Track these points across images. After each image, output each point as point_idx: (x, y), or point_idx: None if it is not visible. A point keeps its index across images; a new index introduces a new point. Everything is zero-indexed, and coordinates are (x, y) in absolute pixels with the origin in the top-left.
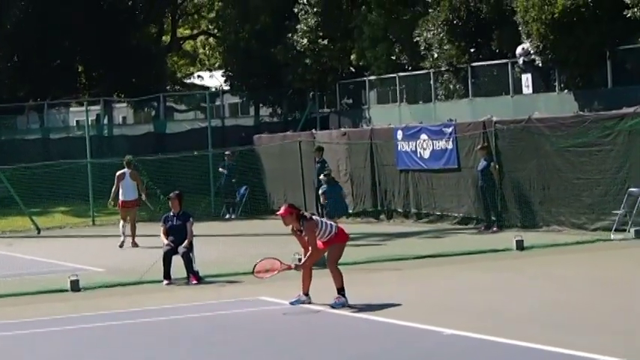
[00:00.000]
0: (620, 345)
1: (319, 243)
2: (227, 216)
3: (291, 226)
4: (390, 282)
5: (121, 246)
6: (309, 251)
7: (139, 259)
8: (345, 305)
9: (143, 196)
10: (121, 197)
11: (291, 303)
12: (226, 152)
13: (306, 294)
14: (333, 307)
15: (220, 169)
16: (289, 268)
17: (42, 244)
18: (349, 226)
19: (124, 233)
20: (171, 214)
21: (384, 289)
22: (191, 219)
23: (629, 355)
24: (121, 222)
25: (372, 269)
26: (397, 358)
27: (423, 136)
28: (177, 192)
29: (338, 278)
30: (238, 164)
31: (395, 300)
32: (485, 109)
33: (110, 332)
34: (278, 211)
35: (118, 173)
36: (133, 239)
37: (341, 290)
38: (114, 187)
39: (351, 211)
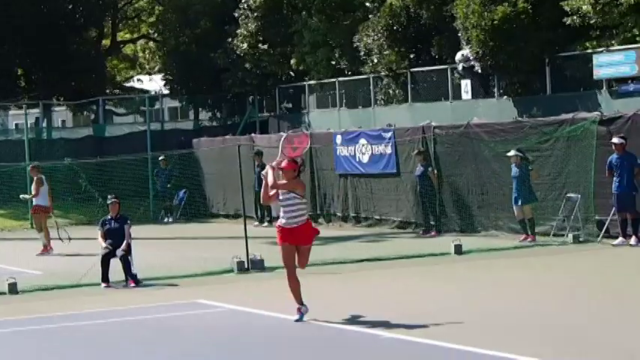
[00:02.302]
0: (559, 349)
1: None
2: (165, 219)
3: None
4: (327, 286)
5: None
6: (284, 181)
7: (77, 263)
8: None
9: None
10: (42, 202)
11: (297, 320)
12: (160, 158)
13: (302, 303)
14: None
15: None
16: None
17: None
18: None
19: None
20: (109, 217)
21: (322, 293)
22: (129, 222)
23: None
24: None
25: (311, 273)
26: None
27: (362, 141)
28: (114, 196)
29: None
30: (176, 168)
31: (332, 304)
32: (425, 114)
33: (46, 336)
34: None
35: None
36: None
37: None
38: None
39: None
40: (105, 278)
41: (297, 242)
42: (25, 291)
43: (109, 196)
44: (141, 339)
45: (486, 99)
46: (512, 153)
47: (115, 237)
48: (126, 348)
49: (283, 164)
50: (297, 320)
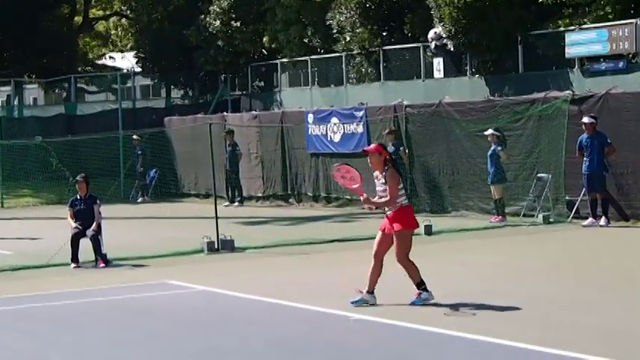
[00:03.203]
0: (532, 331)
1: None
2: (137, 199)
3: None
4: (297, 266)
5: None
6: (384, 197)
7: (46, 243)
8: (429, 300)
9: None
10: None
11: (353, 302)
12: (134, 137)
13: (371, 292)
14: (413, 303)
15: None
16: (361, 193)
17: None
18: (259, 209)
19: None
20: (78, 197)
21: (291, 273)
22: (98, 201)
23: (541, 341)
24: None
25: (281, 253)
26: (305, 342)
27: (334, 120)
28: (83, 175)
29: (413, 273)
30: (147, 147)
31: (302, 284)
32: (397, 93)
33: (15, 316)
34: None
35: None
36: None
37: (420, 285)
38: None
39: (261, 195)
40: (75, 258)
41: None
42: None
43: (77, 176)
44: (111, 319)
45: (458, 77)
46: (489, 132)
47: (85, 217)
48: (96, 328)
49: (369, 147)
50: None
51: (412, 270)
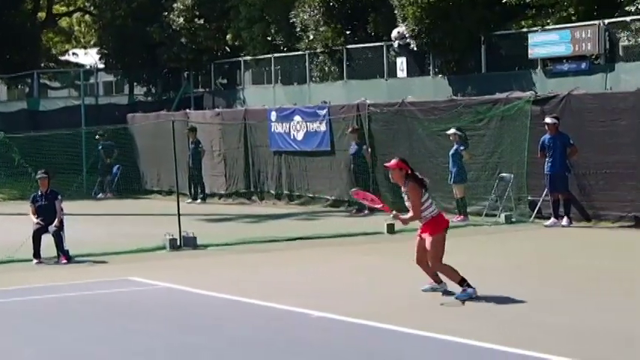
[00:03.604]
0: (498, 331)
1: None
2: (100, 195)
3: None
4: (259, 264)
5: None
6: (410, 213)
7: (8, 238)
8: (472, 296)
9: None
10: None
11: (458, 297)
12: (98, 134)
13: (462, 282)
14: (457, 298)
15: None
16: (388, 210)
17: None
18: (222, 207)
19: None
20: (39, 193)
21: (253, 271)
22: (59, 197)
23: (507, 341)
24: None
25: (244, 251)
26: (266, 339)
27: (297, 118)
28: (44, 171)
29: (451, 274)
30: (111, 143)
31: (264, 282)
32: (360, 91)
33: None
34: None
35: None
36: None
37: (462, 282)
38: None
39: (223, 192)
40: (37, 254)
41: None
42: None
43: (38, 172)
44: (73, 316)
45: (421, 77)
46: (451, 131)
47: (46, 213)
48: (57, 325)
49: (390, 163)
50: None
51: (448, 272)
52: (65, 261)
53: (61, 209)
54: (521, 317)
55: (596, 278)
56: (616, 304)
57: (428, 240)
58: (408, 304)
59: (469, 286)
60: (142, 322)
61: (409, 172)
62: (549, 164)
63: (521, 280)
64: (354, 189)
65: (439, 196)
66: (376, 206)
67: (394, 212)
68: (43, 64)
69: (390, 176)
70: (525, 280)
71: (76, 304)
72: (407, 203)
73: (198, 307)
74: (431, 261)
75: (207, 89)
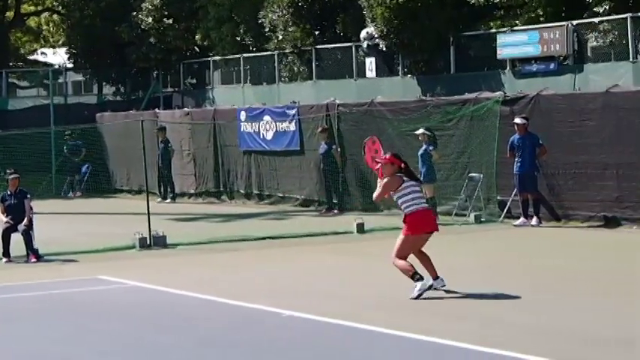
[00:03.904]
0: (470, 330)
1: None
2: (69, 194)
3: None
4: (229, 263)
5: None
6: (380, 187)
7: None
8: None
9: None
10: None
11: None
12: (66, 134)
13: (436, 277)
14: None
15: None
16: (380, 175)
17: None
18: (191, 206)
19: None
20: (9, 192)
21: (223, 270)
22: (28, 196)
23: (481, 341)
24: None
25: (213, 250)
26: (236, 338)
27: (267, 118)
28: (13, 170)
29: (404, 268)
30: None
31: (234, 281)
32: (329, 91)
33: None
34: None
35: None
36: None
37: (414, 277)
38: None
39: (193, 191)
40: (6, 253)
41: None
42: None
43: (7, 171)
44: (42, 315)
45: (390, 77)
46: (420, 131)
47: (16, 212)
48: (25, 324)
49: (380, 158)
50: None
51: (402, 267)
52: (35, 260)
53: (31, 208)
54: (493, 317)
55: (565, 278)
56: (585, 304)
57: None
58: (378, 303)
59: (421, 279)
60: (110, 321)
61: (402, 166)
62: (518, 164)
63: (491, 279)
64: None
65: None
66: (375, 167)
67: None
68: (11, 64)
69: (381, 169)
70: (495, 280)
71: (44, 303)
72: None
73: (167, 306)
74: (393, 252)
75: (177, 89)
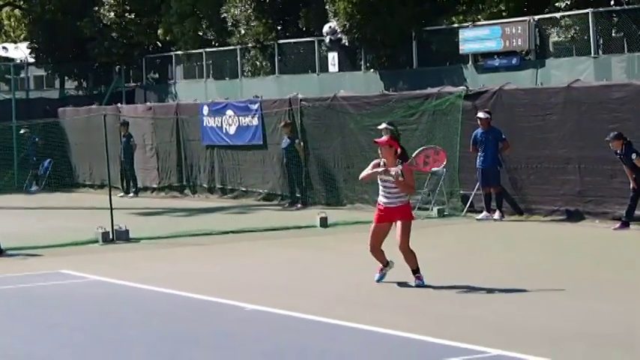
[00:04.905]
0: (427, 323)
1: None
2: (33, 189)
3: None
4: (192, 257)
5: None
6: (391, 188)
7: None
8: (422, 285)
9: None
10: None
11: (377, 280)
12: (21, 131)
13: (386, 264)
14: (418, 286)
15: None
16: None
17: None
18: (154, 201)
19: None
20: None
21: (186, 264)
22: None
23: (439, 333)
24: None
25: (176, 244)
26: (199, 332)
27: (229, 112)
28: None
29: (412, 261)
30: (40, 136)
31: (197, 275)
32: (292, 86)
33: None
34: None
35: None
36: None
37: (416, 272)
38: None
39: (156, 186)
40: None
41: (393, 218)
42: None
43: None
44: (4, 309)
45: (353, 72)
46: (382, 126)
47: None
48: None
49: (380, 139)
50: (377, 280)
51: (411, 258)
52: None
53: None
54: (451, 310)
55: (526, 272)
56: (545, 299)
57: (402, 224)
58: (340, 297)
59: (419, 277)
60: (73, 315)
61: (398, 150)
62: (481, 159)
63: (452, 273)
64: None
65: (372, 190)
66: (423, 167)
67: (394, 171)
68: None
69: (379, 152)
70: (456, 273)
71: (5, 298)
72: (386, 178)
73: (130, 300)
74: (403, 244)
75: (139, 84)
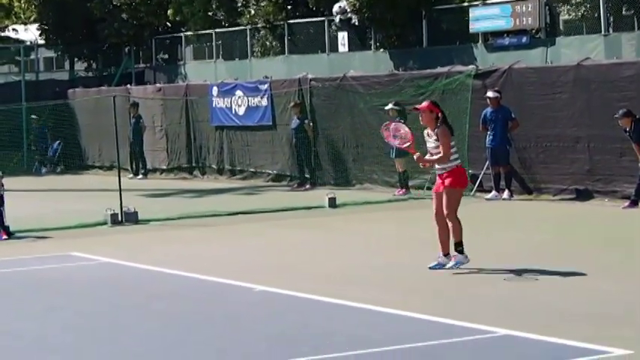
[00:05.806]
0: (436, 303)
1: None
2: (43, 170)
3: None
4: (201, 239)
5: None
6: (437, 155)
7: None
8: (462, 264)
9: None
10: None
11: (431, 267)
12: (32, 116)
13: (447, 254)
14: (453, 266)
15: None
16: (412, 151)
17: None
18: (163, 182)
19: None
20: None
21: (195, 245)
22: (0, 173)
23: (444, 313)
24: None
25: (185, 225)
26: (209, 313)
27: (239, 93)
28: None
29: (457, 232)
30: (50, 119)
31: (207, 256)
32: (301, 66)
33: None
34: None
35: None
36: None
37: (459, 245)
38: None
39: (165, 167)
40: None
41: (440, 186)
42: None
43: None
44: (15, 292)
45: (363, 52)
46: (389, 106)
47: None
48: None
49: (421, 105)
50: (430, 267)
51: (456, 228)
52: (5, 237)
53: (2, 185)
54: (461, 290)
55: (535, 251)
56: (554, 277)
57: (447, 190)
58: (348, 277)
59: (462, 252)
60: (82, 297)
61: (439, 114)
62: (490, 138)
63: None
64: (385, 123)
65: (381, 170)
66: (403, 146)
67: (418, 154)
68: None
69: (420, 118)
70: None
71: (15, 280)
72: (431, 145)
73: (139, 282)
74: (447, 209)
75: (149, 65)
